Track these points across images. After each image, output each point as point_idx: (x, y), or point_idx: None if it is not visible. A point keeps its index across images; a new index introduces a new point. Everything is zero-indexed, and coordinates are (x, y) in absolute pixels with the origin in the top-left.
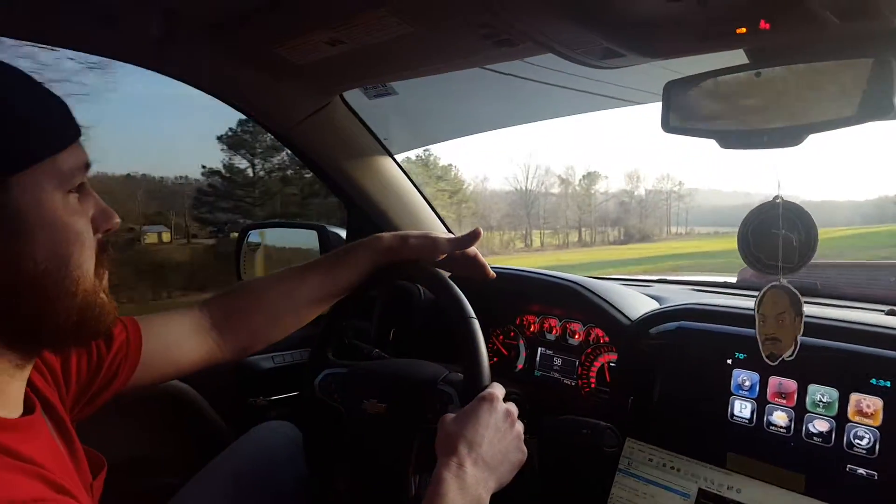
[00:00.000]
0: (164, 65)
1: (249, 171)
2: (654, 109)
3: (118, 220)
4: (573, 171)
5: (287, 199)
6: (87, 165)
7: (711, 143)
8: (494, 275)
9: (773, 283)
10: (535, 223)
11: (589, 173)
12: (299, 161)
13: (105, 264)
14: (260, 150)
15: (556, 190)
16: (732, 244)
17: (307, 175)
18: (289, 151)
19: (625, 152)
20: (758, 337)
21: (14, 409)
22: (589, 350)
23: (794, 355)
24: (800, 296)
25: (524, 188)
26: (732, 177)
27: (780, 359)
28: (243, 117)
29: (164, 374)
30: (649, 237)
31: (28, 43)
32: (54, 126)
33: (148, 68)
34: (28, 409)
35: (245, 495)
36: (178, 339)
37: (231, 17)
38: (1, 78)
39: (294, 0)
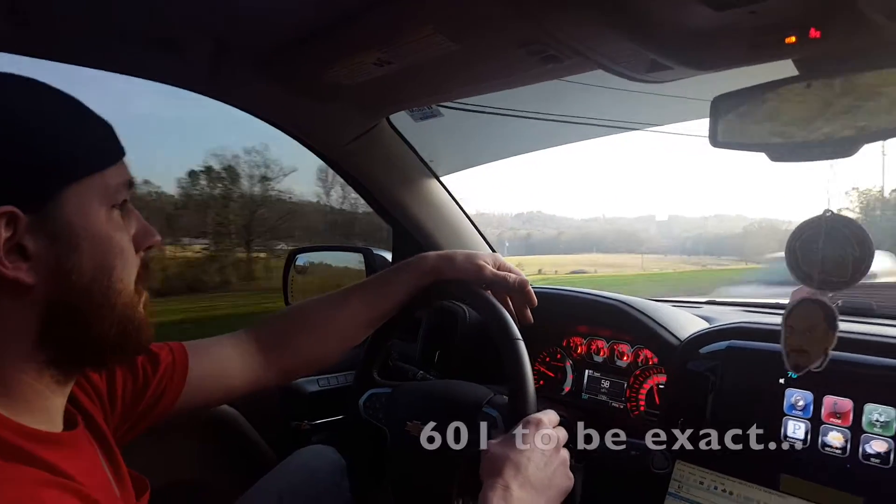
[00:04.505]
0: (215, 91)
1: None
2: None
3: (159, 237)
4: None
5: None
6: (131, 184)
7: None
8: (531, 320)
9: (805, 297)
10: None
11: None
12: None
13: (145, 281)
14: None
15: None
16: None
17: None
18: None
19: None
20: (782, 349)
21: (55, 424)
22: (637, 372)
23: (822, 367)
24: (835, 310)
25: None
26: None
27: (806, 370)
28: None
29: (211, 398)
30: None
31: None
32: (101, 144)
33: (200, 93)
34: (70, 424)
35: None
36: (224, 364)
37: (281, 43)
38: (51, 99)
39: (342, 23)
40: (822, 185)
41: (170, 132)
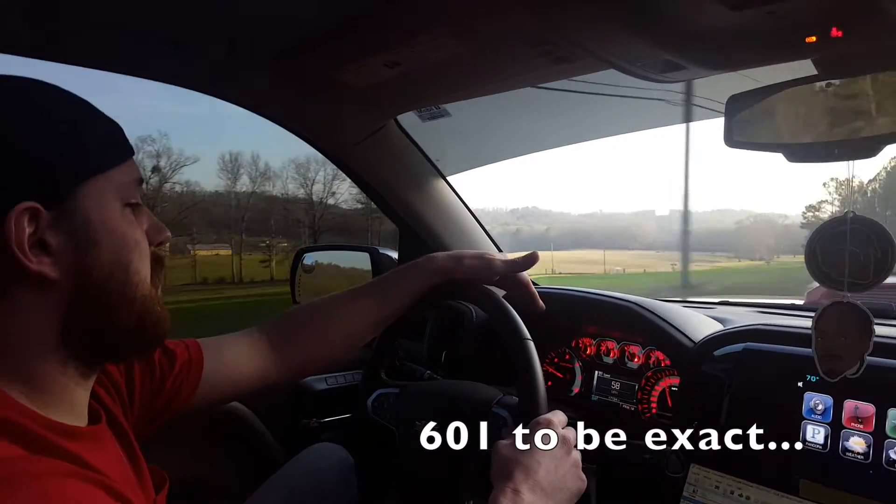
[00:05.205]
0: (225, 91)
1: None
2: None
3: (169, 234)
4: None
5: None
6: (141, 181)
7: None
8: (543, 307)
9: (836, 301)
10: None
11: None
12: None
13: (160, 275)
14: None
15: None
16: None
17: None
18: None
19: None
20: (814, 354)
21: (80, 418)
22: (649, 374)
23: (859, 373)
24: (870, 313)
25: None
26: None
27: (842, 376)
28: None
29: (224, 394)
30: None
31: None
32: (112, 141)
33: (209, 94)
34: (94, 419)
35: None
36: (237, 361)
37: (293, 45)
38: (64, 98)
39: (354, 25)
40: (830, 183)
41: None
